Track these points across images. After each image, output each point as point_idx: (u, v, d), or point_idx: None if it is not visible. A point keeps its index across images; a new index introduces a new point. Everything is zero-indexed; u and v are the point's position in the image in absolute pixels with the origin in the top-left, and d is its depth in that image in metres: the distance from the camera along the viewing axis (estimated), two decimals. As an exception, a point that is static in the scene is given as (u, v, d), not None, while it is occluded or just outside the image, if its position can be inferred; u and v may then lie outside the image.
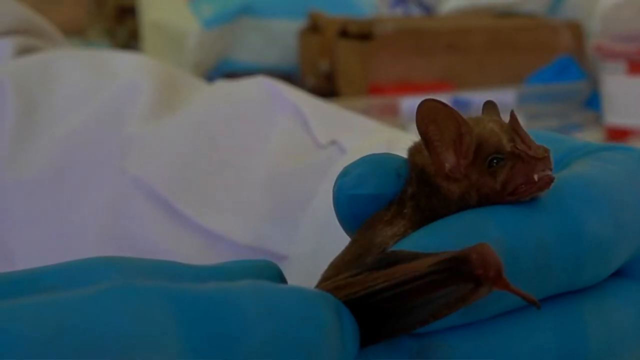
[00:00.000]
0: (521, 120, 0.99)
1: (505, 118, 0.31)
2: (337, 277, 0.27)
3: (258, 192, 0.51)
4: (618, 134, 1.13)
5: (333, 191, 0.30)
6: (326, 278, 0.29)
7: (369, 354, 0.26)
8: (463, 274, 0.24)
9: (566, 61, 1.28)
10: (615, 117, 1.14)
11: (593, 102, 1.22)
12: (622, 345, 0.30)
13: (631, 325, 0.31)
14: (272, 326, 0.24)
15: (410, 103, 1.15)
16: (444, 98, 1.16)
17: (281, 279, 0.29)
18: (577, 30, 1.31)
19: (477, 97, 1.18)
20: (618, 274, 0.32)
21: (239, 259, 0.52)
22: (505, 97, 1.19)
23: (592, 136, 1.17)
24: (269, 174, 0.52)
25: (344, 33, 1.26)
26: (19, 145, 0.54)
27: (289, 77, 1.38)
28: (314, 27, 1.33)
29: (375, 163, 0.30)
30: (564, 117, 1.21)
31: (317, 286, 0.28)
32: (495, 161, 0.28)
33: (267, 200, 0.51)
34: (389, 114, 1.14)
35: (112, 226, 0.52)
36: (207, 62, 1.36)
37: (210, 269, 0.28)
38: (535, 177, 0.28)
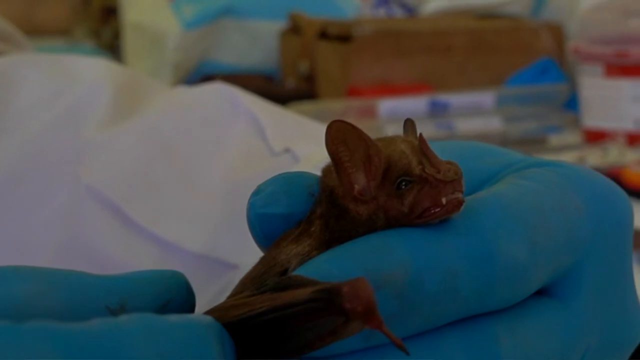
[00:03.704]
0: (499, 122, 0.99)
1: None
2: (239, 295, 0.28)
3: (212, 200, 0.51)
4: (595, 136, 1.13)
5: (247, 209, 0.31)
6: (234, 294, 0.29)
7: None
8: (334, 306, 0.24)
9: (546, 63, 1.28)
10: (592, 119, 1.14)
11: (572, 104, 1.22)
12: None
13: (550, 345, 0.31)
14: None
15: (388, 105, 1.15)
16: (423, 100, 1.16)
17: (188, 289, 0.29)
18: (557, 33, 1.31)
19: (455, 99, 1.18)
20: (541, 293, 0.32)
21: (191, 267, 0.52)
22: (484, 99, 1.19)
23: (570, 138, 1.17)
24: (223, 182, 0.52)
25: (324, 34, 1.26)
26: None
27: (270, 78, 1.38)
28: (295, 29, 1.33)
29: (287, 181, 0.30)
30: (542, 118, 1.21)
31: (225, 301, 0.28)
32: (404, 184, 0.28)
33: (221, 209, 0.51)
34: (367, 116, 1.14)
35: (67, 234, 0.52)
36: (188, 62, 1.36)
37: (117, 279, 0.28)
38: (443, 200, 0.28)
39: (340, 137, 0.28)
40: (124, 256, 0.51)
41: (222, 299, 0.50)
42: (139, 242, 0.51)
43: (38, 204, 0.53)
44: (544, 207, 0.31)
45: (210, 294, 0.49)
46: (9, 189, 0.53)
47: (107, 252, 0.51)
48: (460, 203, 0.28)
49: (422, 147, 0.29)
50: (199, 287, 0.50)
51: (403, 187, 0.28)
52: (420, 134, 0.29)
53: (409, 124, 0.31)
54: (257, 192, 0.30)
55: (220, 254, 0.50)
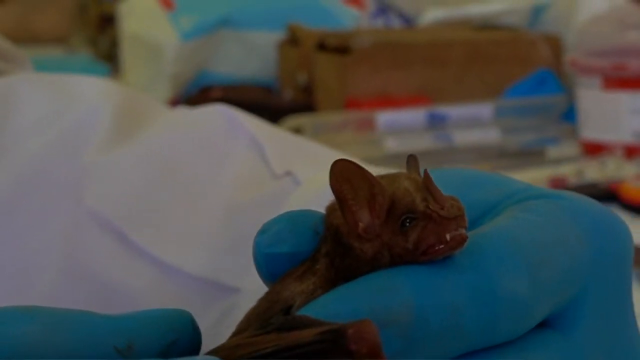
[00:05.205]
0: (497, 134, 0.99)
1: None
2: (243, 333, 0.28)
3: (213, 223, 0.51)
4: (593, 148, 1.13)
5: (252, 247, 0.31)
6: (238, 331, 0.29)
7: None
8: (340, 347, 0.25)
9: (544, 74, 1.28)
10: (590, 132, 1.14)
11: (570, 115, 1.22)
12: None
13: None
14: None
15: (387, 117, 1.15)
16: (421, 112, 1.16)
17: (194, 327, 0.29)
18: (555, 44, 1.31)
19: (454, 111, 1.18)
20: (542, 325, 0.32)
21: (192, 290, 0.52)
22: (482, 111, 1.19)
23: (568, 150, 1.17)
24: (224, 205, 0.52)
25: (322, 46, 1.26)
26: None
27: (268, 89, 1.38)
28: (293, 40, 1.33)
29: (292, 220, 0.31)
30: (540, 130, 1.21)
31: (230, 339, 0.29)
32: (408, 221, 0.28)
33: (222, 232, 0.51)
34: (365, 128, 1.14)
35: (67, 257, 0.52)
36: (186, 73, 1.36)
37: (123, 319, 0.28)
38: (448, 236, 0.28)
39: (345, 175, 0.28)
40: (125, 278, 0.51)
41: (224, 322, 0.50)
42: (140, 265, 0.51)
43: (38, 226, 0.53)
44: (545, 241, 0.31)
45: (211, 317, 0.49)
46: (8, 211, 0.53)
47: (107, 274, 0.51)
48: (463, 239, 0.28)
49: (426, 183, 0.29)
50: (201, 310, 0.50)
51: (407, 224, 0.28)
52: (426, 170, 0.29)
53: (411, 161, 0.31)
54: (262, 232, 0.31)
55: (222, 277, 0.50)
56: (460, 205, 0.29)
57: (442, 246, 0.28)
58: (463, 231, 0.28)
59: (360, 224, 0.29)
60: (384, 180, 0.29)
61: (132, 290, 0.51)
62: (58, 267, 0.52)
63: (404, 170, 0.31)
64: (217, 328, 0.48)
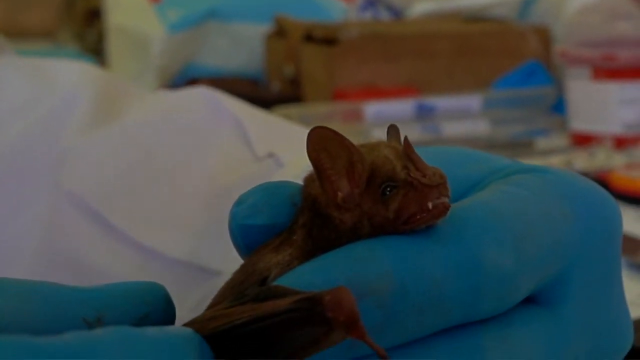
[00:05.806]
0: (486, 126, 0.98)
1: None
2: (218, 306, 0.27)
3: (194, 206, 0.51)
4: (582, 140, 1.12)
5: (228, 219, 0.30)
6: (214, 304, 0.29)
7: None
8: (316, 315, 0.24)
9: (534, 66, 1.28)
10: (579, 122, 1.13)
11: (560, 107, 1.22)
12: None
13: (538, 354, 0.30)
14: None
15: (374, 108, 1.14)
16: (409, 103, 1.16)
17: (167, 301, 0.29)
18: (545, 36, 1.31)
19: (442, 102, 1.17)
20: (528, 300, 0.31)
21: (174, 274, 0.51)
22: (470, 102, 1.19)
23: (557, 141, 1.16)
24: (206, 188, 0.51)
25: (309, 38, 1.25)
26: None
27: (255, 81, 1.37)
28: (280, 32, 1.32)
29: (270, 192, 0.30)
30: (529, 122, 1.20)
31: (204, 312, 0.28)
32: (388, 189, 0.27)
33: (203, 215, 0.50)
34: (353, 120, 1.13)
35: (48, 241, 0.51)
36: (173, 66, 1.35)
37: (93, 291, 0.27)
38: (430, 205, 0.27)
39: (322, 144, 0.27)
40: (106, 263, 0.51)
41: (205, 305, 0.49)
42: (121, 249, 0.51)
43: (17, 210, 0.52)
44: (530, 214, 0.30)
45: (193, 300, 0.48)
46: None
47: (88, 259, 0.51)
48: (446, 208, 0.27)
49: (407, 151, 0.28)
50: (182, 293, 0.49)
51: (388, 192, 0.27)
52: (406, 137, 0.28)
53: (392, 130, 0.30)
54: (239, 203, 0.30)
55: (203, 260, 0.49)
56: (443, 174, 0.28)
57: (424, 215, 0.27)
58: (446, 200, 0.27)
59: (339, 194, 0.28)
60: (363, 149, 0.28)
61: (113, 274, 0.50)
62: (38, 251, 0.51)
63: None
64: (198, 311, 0.47)
